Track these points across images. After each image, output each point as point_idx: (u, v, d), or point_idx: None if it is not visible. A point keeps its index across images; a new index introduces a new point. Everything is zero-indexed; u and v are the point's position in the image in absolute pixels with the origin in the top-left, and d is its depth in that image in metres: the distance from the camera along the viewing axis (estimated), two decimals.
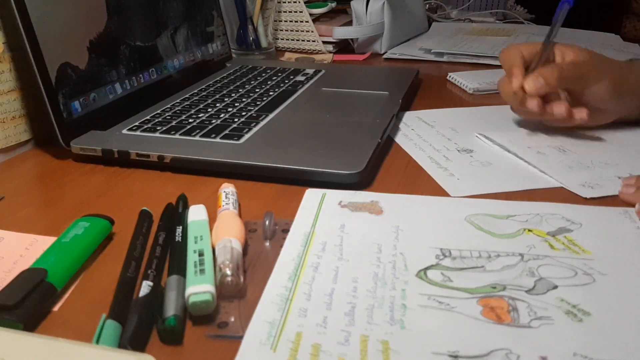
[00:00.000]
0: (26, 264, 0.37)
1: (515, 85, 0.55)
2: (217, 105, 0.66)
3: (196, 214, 0.42)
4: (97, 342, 0.30)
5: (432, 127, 0.64)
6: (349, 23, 1.07)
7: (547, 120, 0.59)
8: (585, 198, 0.47)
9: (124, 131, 0.58)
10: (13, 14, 0.51)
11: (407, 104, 0.73)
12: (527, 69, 0.58)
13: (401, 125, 0.65)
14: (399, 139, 0.61)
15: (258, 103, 0.67)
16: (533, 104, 0.55)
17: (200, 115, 0.62)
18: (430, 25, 1.25)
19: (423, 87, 0.82)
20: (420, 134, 0.62)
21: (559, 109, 0.55)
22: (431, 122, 0.65)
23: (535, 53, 0.58)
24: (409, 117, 0.68)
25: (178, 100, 0.68)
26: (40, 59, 0.53)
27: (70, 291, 0.36)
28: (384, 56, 1.01)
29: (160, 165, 0.53)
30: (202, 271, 0.34)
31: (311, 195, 0.47)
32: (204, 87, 0.74)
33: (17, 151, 0.59)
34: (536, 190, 0.49)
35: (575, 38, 1.08)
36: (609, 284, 0.36)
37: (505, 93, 0.59)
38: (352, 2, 1.04)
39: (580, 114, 0.55)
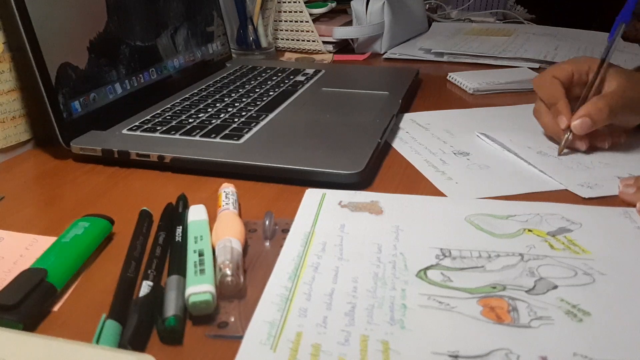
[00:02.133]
0: (26, 264, 0.37)
1: (563, 126, 0.55)
2: (217, 105, 0.66)
3: (196, 214, 0.42)
4: (97, 342, 0.30)
5: (427, 130, 0.63)
6: (349, 23, 1.07)
7: None
8: (584, 198, 0.47)
9: (124, 131, 0.58)
10: (13, 14, 0.51)
11: (407, 104, 0.73)
12: (567, 90, 0.57)
13: (396, 128, 0.64)
14: (395, 142, 0.60)
15: (258, 103, 0.67)
16: (582, 146, 0.56)
17: (200, 115, 0.62)
18: (430, 25, 1.24)
19: (423, 87, 0.82)
20: (415, 136, 0.61)
21: (603, 144, 0.57)
22: (425, 125, 0.65)
23: (570, 75, 0.57)
24: (404, 119, 0.67)
25: (178, 100, 0.68)
26: (40, 59, 0.53)
27: (70, 291, 0.36)
28: (384, 56, 1.01)
29: (160, 165, 0.53)
30: (202, 271, 0.34)
31: (311, 195, 0.47)
32: (204, 87, 0.74)
33: (17, 151, 0.59)
34: (536, 191, 0.49)
35: (576, 38, 1.08)
36: (609, 284, 0.36)
37: (547, 127, 0.59)
38: (352, 2, 1.04)
39: (619, 140, 0.57)
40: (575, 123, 0.53)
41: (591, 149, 0.56)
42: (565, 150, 0.56)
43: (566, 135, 0.55)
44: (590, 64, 0.57)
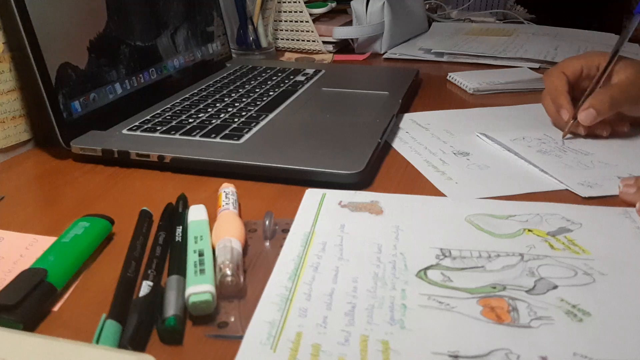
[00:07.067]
0: (26, 264, 0.37)
1: (565, 117, 0.59)
2: (217, 105, 0.66)
3: (196, 214, 0.42)
4: (97, 342, 0.30)
5: (427, 130, 0.63)
6: (349, 23, 1.07)
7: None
8: (584, 197, 0.47)
9: (124, 131, 0.58)
10: (13, 14, 0.51)
11: (407, 104, 0.73)
12: (574, 86, 0.61)
13: (396, 129, 0.64)
14: (395, 142, 0.60)
15: (258, 103, 0.67)
16: (582, 131, 0.59)
17: (200, 115, 0.62)
18: (430, 25, 1.25)
19: (423, 87, 0.82)
20: (415, 136, 0.61)
21: (602, 132, 0.59)
22: (425, 125, 0.65)
23: (579, 70, 0.60)
24: (404, 119, 0.67)
25: (178, 100, 0.68)
26: (40, 59, 0.53)
27: (70, 291, 0.36)
28: (384, 56, 1.01)
29: (160, 165, 0.53)
30: (202, 271, 0.34)
31: (311, 195, 0.47)
32: (204, 87, 0.74)
33: (17, 151, 0.59)
34: (536, 192, 0.49)
35: (576, 38, 1.08)
36: (609, 284, 0.36)
37: (550, 115, 0.63)
38: (352, 2, 1.04)
39: (622, 129, 0.60)
40: (581, 115, 0.57)
41: (591, 136, 0.59)
42: (569, 135, 0.60)
43: (571, 122, 0.59)
44: (600, 59, 0.60)
